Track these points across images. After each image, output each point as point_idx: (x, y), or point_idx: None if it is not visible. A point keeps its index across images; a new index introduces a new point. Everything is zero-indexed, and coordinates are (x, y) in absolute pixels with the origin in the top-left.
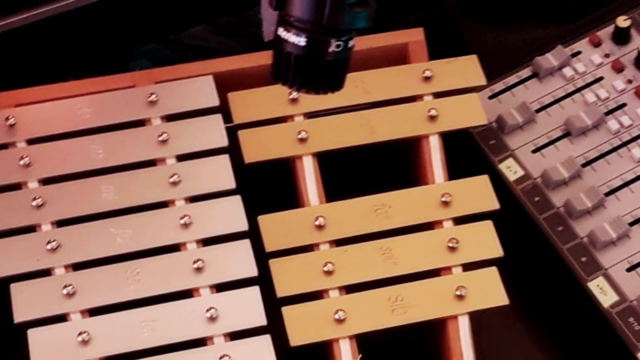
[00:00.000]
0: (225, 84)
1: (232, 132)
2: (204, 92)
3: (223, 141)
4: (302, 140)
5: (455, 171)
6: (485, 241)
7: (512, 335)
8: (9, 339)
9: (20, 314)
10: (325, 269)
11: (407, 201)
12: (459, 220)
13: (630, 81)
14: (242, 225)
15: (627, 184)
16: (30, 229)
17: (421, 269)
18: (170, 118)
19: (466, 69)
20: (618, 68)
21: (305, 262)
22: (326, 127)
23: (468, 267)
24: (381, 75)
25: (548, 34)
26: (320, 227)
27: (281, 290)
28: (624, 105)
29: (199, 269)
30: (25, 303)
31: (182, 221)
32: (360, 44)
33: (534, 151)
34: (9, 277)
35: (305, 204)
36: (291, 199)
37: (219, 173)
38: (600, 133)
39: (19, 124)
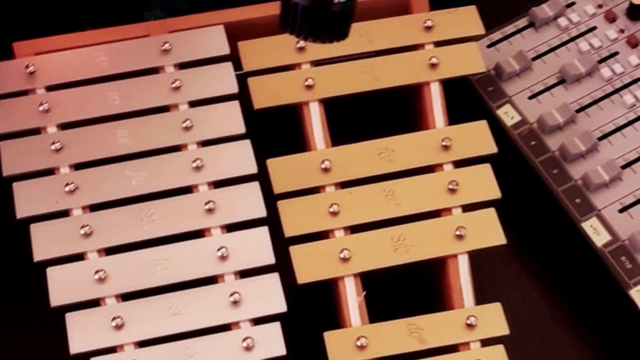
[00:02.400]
0: (236, 33)
1: (242, 79)
2: (215, 41)
3: (233, 88)
4: (309, 87)
5: (455, 117)
6: (483, 183)
7: (509, 273)
8: (29, 277)
9: (39, 253)
10: (331, 210)
11: (409, 145)
12: (459, 164)
13: (622, 30)
14: (252, 168)
15: (619, 128)
16: (50, 171)
17: (422, 210)
18: (182, 66)
19: (466, 19)
20: (611, 18)
21: (312, 204)
22: (332, 75)
23: (467, 208)
24: (384, 25)
25: None
26: (326, 170)
27: (289, 230)
28: (616, 53)
29: (210, 210)
30: (45, 242)
31: (194, 164)
32: None
33: (531, 97)
34: (29, 218)
35: (311, 148)
36: (298, 143)
37: (230, 118)
38: (594, 80)
39: (39, 72)
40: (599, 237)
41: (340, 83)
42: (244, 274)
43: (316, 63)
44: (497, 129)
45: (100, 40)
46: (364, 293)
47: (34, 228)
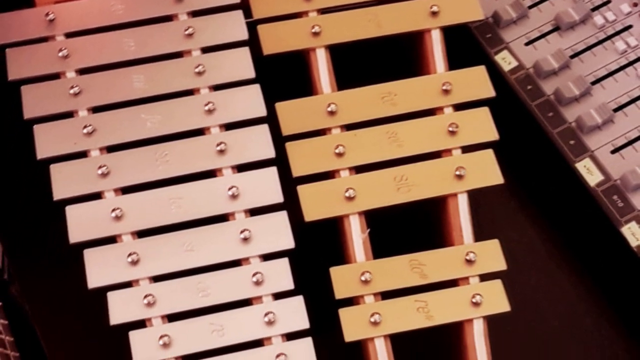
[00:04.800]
0: None
1: (252, 26)
2: None
3: (243, 35)
4: (316, 34)
5: (454, 62)
6: (482, 125)
7: (507, 211)
8: (49, 216)
9: (59, 192)
10: (337, 151)
11: (411, 89)
12: (459, 107)
13: None
14: (261, 111)
15: (611, 73)
16: (68, 114)
17: (424, 151)
18: (195, 14)
19: None
20: None
21: (318, 145)
22: (337, 22)
23: (466, 149)
24: None
25: None
26: (332, 113)
27: (296, 171)
28: (608, 2)
29: (221, 151)
30: (64, 182)
31: (206, 107)
32: None
33: (527, 44)
34: (49, 159)
35: (318, 92)
36: (306, 87)
37: (240, 64)
38: (587, 27)
39: (58, 19)
40: (592, 177)
41: (346, 30)
42: (254, 212)
43: (323, 11)
44: (495, 74)
45: None
46: (368, 230)
47: (54, 168)
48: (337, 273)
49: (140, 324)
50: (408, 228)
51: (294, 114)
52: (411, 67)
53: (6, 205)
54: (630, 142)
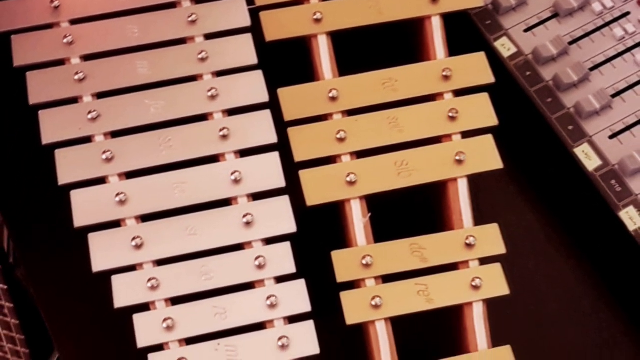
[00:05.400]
0: None
1: (255, 13)
2: None
3: (246, 21)
4: (318, 20)
5: (455, 49)
6: (482, 111)
7: (506, 196)
8: (54, 201)
9: (64, 177)
10: (338, 136)
11: (411, 75)
12: (458, 93)
13: None
14: (263, 97)
15: (609, 59)
16: (73, 100)
17: (424, 137)
18: (198, 1)
19: None
20: None
21: (320, 130)
22: (339, 9)
23: (466, 134)
24: None
25: None
26: (333, 99)
27: (298, 156)
28: None
29: (224, 137)
30: (69, 167)
31: (209, 93)
32: None
33: (526, 30)
34: (54, 144)
35: (320, 78)
36: (307, 73)
37: (243, 50)
38: (586, 14)
39: (63, 6)
40: (590, 162)
41: (347, 17)
42: (256, 196)
43: None
44: (495, 60)
45: None
46: (369, 214)
47: (59, 154)
48: (338, 257)
49: (144, 307)
50: (408, 212)
51: (296, 99)
52: (412, 53)
53: (12, 190)
54: (628, 128)
